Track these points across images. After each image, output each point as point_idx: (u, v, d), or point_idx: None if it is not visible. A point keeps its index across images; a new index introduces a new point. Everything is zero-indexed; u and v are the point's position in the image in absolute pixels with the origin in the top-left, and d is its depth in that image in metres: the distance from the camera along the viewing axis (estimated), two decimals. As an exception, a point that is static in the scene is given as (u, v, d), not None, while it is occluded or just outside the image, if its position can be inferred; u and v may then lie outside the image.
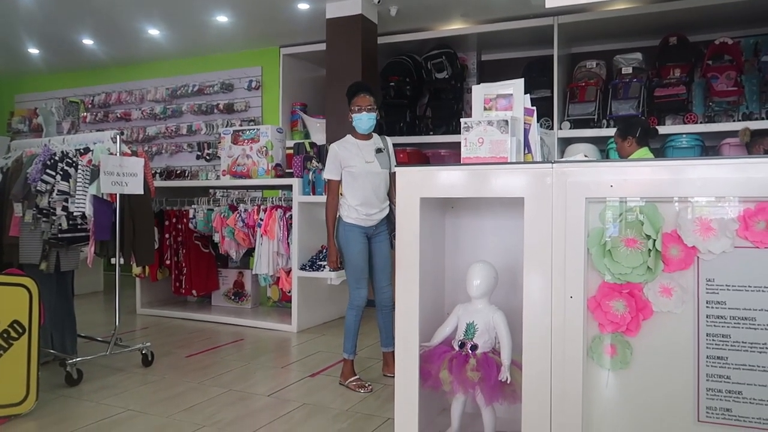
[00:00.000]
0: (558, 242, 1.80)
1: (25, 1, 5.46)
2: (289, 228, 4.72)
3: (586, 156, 4.33)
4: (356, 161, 3.27)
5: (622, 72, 5.39)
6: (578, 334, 1.78)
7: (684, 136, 4.97)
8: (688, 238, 1.67)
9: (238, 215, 4.92)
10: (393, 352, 3.47)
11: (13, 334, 2.77)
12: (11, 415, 2.76)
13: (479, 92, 2.38)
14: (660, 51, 5.37)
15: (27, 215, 3.41)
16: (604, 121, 5.37)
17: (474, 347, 2.11)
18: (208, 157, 7.27)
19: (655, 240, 1.69)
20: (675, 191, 1.70)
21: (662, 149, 5.06)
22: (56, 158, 3.43)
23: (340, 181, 3.33)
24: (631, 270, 1.73)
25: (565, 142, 5.54)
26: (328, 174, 3.35)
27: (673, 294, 1.69)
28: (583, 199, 1.77)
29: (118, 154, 3.47)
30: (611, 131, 4.60)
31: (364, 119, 3.30)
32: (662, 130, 5.01)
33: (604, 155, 5.22)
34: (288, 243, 4.73)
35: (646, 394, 1.74)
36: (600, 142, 5.33)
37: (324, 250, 4.74)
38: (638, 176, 1.74)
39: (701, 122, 5.04)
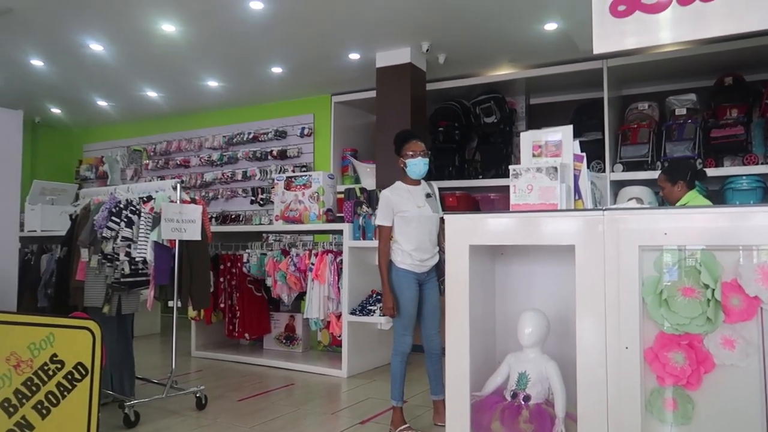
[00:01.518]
0: (611, 291, 1.77)
1: (97, 58, 5.88)
2: (339, 272, 4.77)
3: (638, 200, 4.24)
4: (409, 206, 3.30)
5: (676, 113, 5.30)
6: (636, 387, 1.72)
7: (744, 177, 4.80)
8: (750, 287, 1.61)
9: (290, 259, 5.02)
10: (443, 400, 3.41)
11: (77, 375, 2.88)
12: (72, 455, 2.84)
13: (527, 139, 2.39)
14: (715, 91, 5.26)
15: (93, 260, 3.59)
16: (659, 163, 5.25)
17: (527, 398, 2.06)
18: (261, 202, 7.49)
19: (714, 289, 1.64)
20: (734, 239, 1.65)
21: (721, 191, 4.90)
22: (121, 206, 3.62)
23: (391, 228, 3.34)
24: (689, 320, 1.67)
25: (618, 185, 5.44)
26: (380, 220, 3.34)
27: (736, 346, 1.62)
28: (636, 246, 1.74)
29: (178, 201, 3.63)
30: (666, 173, 4.50)
31: (420, 164, 3.34)
32: (720, 172, 4.86)
33: (659, 197, 5.09)
34: (338, 287, 4.77)
35: (711, 453, 1.65)
36: (654, 185, 5.19)
37: (374, 295, 4.76)
38: (694, 223, 1.70)
39: (762, 163, 4.86)
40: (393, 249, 3.34)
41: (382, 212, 3.34)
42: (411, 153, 3.33)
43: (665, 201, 3.89)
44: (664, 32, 2.21)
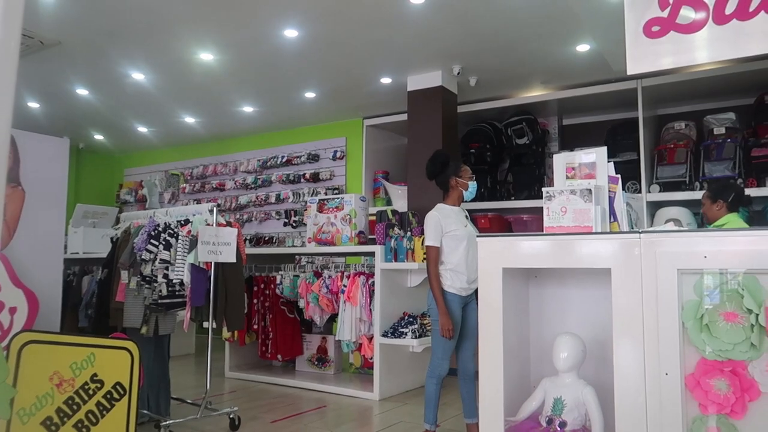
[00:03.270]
0: (649, 315, 1.73)
1: (138, 87, 6.09)
2: (371, 294, 4.78)
3: (676, 221, 4.15)
4: (457, 225, 3.32)
5: (714, 132, 5.20)
6: (677, 415, 1.67)
7: (788, 197, 4.66)
8: (795, 312, 1.55)
9: (322, 281, 5.05)
10: (477, 423, 3.36)
11: (115, 395, 2.94)
12: (109, 475, 2.88)
13: (561, 161, 2.38)
14: (756, 110, 5.14)
15: (132, 282, 3.68)
16: (697, 184, 5.14)
17: (563, 424, 2.02)
18: (294, 224, 7.58)
19: (757, 314, 1.59)
20: (777, 262, 1.60)
21: (764, 212, 4.76)
22: (159, 229, 3.71)
23: (440, 249, 3.32)
24: (732, 346, 1.62)
25: (654, 206, 5.34)
26: (430, 240, 3.30)
27: (783, 374, 1.57)
28: (674, 270, 1.70)
29: (214, 224, 3.71)
30: (705, 194, 4.41)
31: (473, 187, 3.46)
32: (763, 192, 4.73)
33: (699, 219, 4.97)
34: (370, 309, 4.77)
35: (759, 485, 1.58)
36: (693, 205, 5.09)
37: (406, 317, 4.75)
38: (735, 246, 1.66)
39: (806, 183, 4.72)
40: (441, 273, 3.30)
41: (432, 233, 3.31)
42: (469, 176, 3.43)
43: (704, 219, 3.79)
44: (701, 52, 2.19)
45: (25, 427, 2.65)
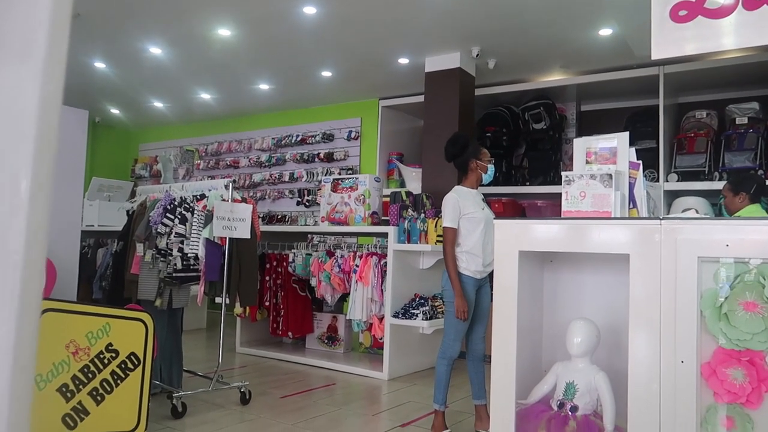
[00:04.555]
0: (667, 302, 1.72)
1: (156, 61, 6.09)
2: (383, 275, 4.79)
3: (696, 211, 4.11)
4: (475, 208, 3.31)
5: (737, 122, 5.11)
6: (691, 403, 1.66)
7: (809, 190, 4.58)
8: (817, 304, 1.53)
9: (334, 261, 5.06)
10: (485, 405, 3.39)
11: (130, 365, 2.98)
12: (123, 442, 2.94)
13: (581, 145, 2.35)
14: (779, 100, 5.05)
15: (147, 255, 3.71)
16: (716, 174, 5.07)
17: (574, 408, 2.02)
18: (307, 204, 7.59)
19: (778, 305, 1.57)
20: (801, 253, 1.58)
21: (784, 204, 4.68)
22: (175, 203, 3.73)
23: (457, 231, 3.30)
24: (751, 336, 1.61)
25: (672, 195, 5.28)
26: (447, 222, 3.28)
27: (802, 365, 1.55)
28: (695, 258, 1.68)
29: (229, 200, 3.72)
30: (724, 184, 4.35)
31: (491, 170, 3.44)
32: (783, 183, 4.65)
33: (717, 209, 4.91)
34: (382, 290, 4.79)
35: (771, 475, 1.58)
36: (711, 196, 5.03)
37: (417, 299, 4.76)
38: (758, 235, 1.63)
39: (829, 175, 4.64)
40: (457, 255, 3.29)
41: (450, 214, 3.28)
42: (488, 159, 3.41)
43: (724, 211, 3.75)
44: (728, 38, 2.14)
45: (42, 394, 2.70)
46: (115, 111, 8.51)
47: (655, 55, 2.35)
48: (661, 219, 1.78)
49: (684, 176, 5.20)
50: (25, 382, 0.52)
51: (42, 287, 0.54)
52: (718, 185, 4.88)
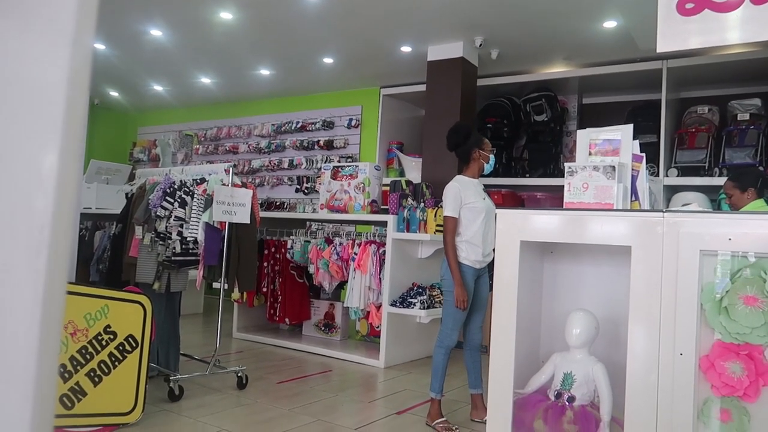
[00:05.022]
0: (667, 295, 1.72)
1: (156, 44, 6.04)
2: (381, 263, 4.79)
3: (696, 206, 4.10)
4: (476, 197, 3.30)
5: (738, 118, 5.11)
6: (688, 395, 1.67)
7: (808, 188, 4.59)
8: (818, 299, 1.54)
9: (333, 248, 5.06)
10: (481, 394, 3.40)
11: (128, 347, 2.99)
12: (119, 424, 2.95)
13: (584, 137, 2.35)
14: (781, 97, 5.04)
15: (146, 238, 3.70)
16: (716, 170, 5.08)
17: (571, 399, 2.03)
18: (306, 191, 7.58)
19: (779, 299, 1.58)
20: (803, 248, 1.58)
21: (783, 201, 4.69)
22: (175, 187, 3.72)
23: (458, 220, 3.29)
24: (750, 330, 1.62)
25: (672, 190, 5.29)
26: (448, 211, 3.27)
27: (800, 360, 1.56)
28: (697, 251, 1.69)
29: (230, 185, 3.71)
30: (723, 180, 4.35)
31: (492, 161, 3.44)
32: (783, 180, 4.66)
33: (716, 205, 4.92)
34: (380, 278, 4.79)
35: (766, 468, 1.59)
36: (710, 191, 5.04)
37: (415, 288, 4.77)
38: (761, 230, 1.63)
39: (829, 174, 4.64)
40: (457, 244, 3.29)
41: (451, 204, 3.27)
42: (490, 149, 3.40)
43: (724, 206, 3.74)
44: (733, 32, 2.14)
45: (40, 374, 2.71)
46: (114, 93, 8.46)
47: (661, 48, 2.34)
48: (663, 212, 1.78)
49: (684, 171, 5.21)
50: (51, 365, 0.51)
51: (67, 267, 0.53)
52: (718, 181, 4.89)
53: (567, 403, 2.03)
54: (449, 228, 3.27)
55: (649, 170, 5.24)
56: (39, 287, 0.46)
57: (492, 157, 3.40)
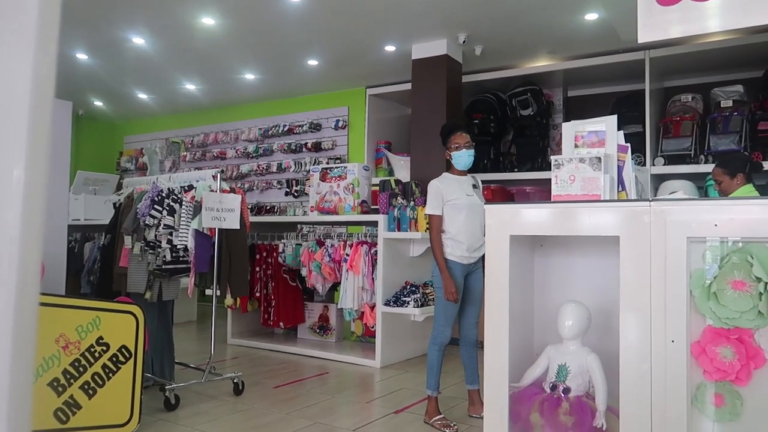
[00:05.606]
0: (657, 283, 1.74)
1: (139, 52, 6.01)
2: (374, 264, 4.79)
3: (683, 193, 4.13)
4: (458, 194, 3.30)
5: (721, 105, 5.15)
6: (681, 381, 1.69)
7: (793, 172, 4.64)
8: (804, 281, 1.56)
9: (325, 250, 5.06)
10: (478, 390, 3.41)
11: (121, 358, 2.97)
12: (116, 435, 2.93)
13: (570, 129, 2.36)
14: (764, 83, 5.09)
15: (135, 247, 3.68)
16: (702, 157, 5.12)
17: (566, 390, 2.05)
18: (296, 194, 7.56)
19: (766, 283, 1.59)
20: (788, 231, 1.60)
21: (768, 186, 4.74)
22: (163, 195, 3.70)
23: (442, 218, 3.31)
24: (740, 314, 1.63)
25: (659, 179, 5.32)
26: (431, 209, 3.31)
27: (789, 342, 1.58)
28: (684, 238, 1.70)
29: (218, 191, 3.70)
30: (709, 167, 4.38)
31: (464, 156, 3.36)
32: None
33: (702, 192, 4.96)
34: (373, 278, 4.79)
35: (761, 450, 1.61)
36: (697, 179, 5.08)
37: (408, 286, 4.77)
38: (746, 215, 1.65)
39: (813, 157, 4.69)
40: (443, 240, 3.31)
41: (433, 201, 3.31)
42: (456, 145, 3.36)
43: (711, 193, 3.75)
44: (713, 20, 2.15)
45: (33, 388, 2.68)
46: (98, 103, 8.40)
47: (642, 39, 2.35)
48: (650, 201, 1.79)
49: (670, 160, 5.24)
50: (24, 376, 0.51)
51: (39, 279, 0.53)
52: (704, 168, 4.93)
53: (562, 395, 2.05)
54: (433, 225, 3.31)
55: (636, 160, 5.28)
56: (10, 300, 0.46)
57: (460, 152, 3.34)
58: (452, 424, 3.21)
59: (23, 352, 0.49)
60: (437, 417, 3.26)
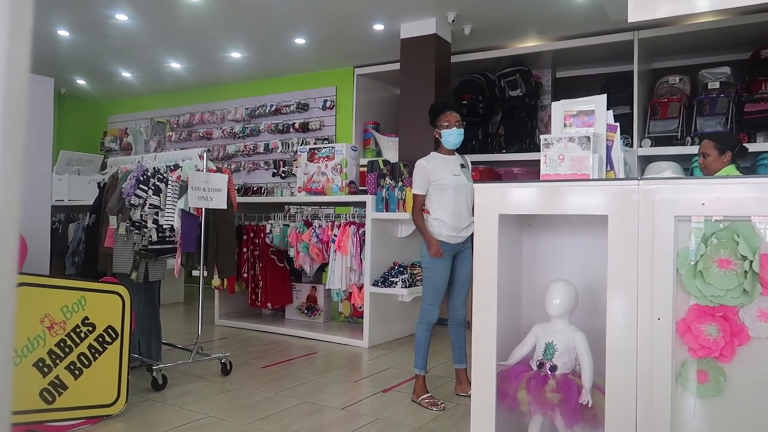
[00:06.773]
0: (644, 262, 1.74)
1: (122, 29, 5.89)
2: (362, 244, 4.79)
3: (671, 173, 4.16)
4: (445, 174, 3.30)
5: (708, 87, 5.17)
6: (666, 359, 1.70)
7: (777, 153, 4.68)
8: (789, 259, 1.57)
9: (312, 231, 5.04)
10: (465, 369, 3.44)
11: (108, 339, 2.95)
12: (103, 416, 2.93)
13: (559, 108, 2.35)
14: (751, 64, 5.11)
15: (121, 227, 3.64)
16: (688, 139, 5.15)
17: (553, 368, 2.06)
18: (283, 175, 7.51)
19: (752, 261, 1.61)
20: (774, 210, 1.61)
21: (753, 168, 4.79)
22: (148, 174, 3.65)
23: (425, 197, 3.33)
24: (725, 292, 1.65)
25: (646, 160, 5.35)
26: (416, 189, 3.32)
27: (773, 319, 1.60)
28: (672, 217, 1.71)
29: (204, 170, 3.65)
30: (696, 149, 4.40)
31: (454, 134, 3.35)
32: (753, 147, 4.74)
33: (688, 174, 4.99)
34: (361, 259, 4.79)
35: (743, 425, 1.64)
36: (683, 160, 5.11)
37: (396, 267, 4.78)
38: (732, 194, 1.66)
39: (797, 139, 4.74)
40: (429, 221, 3.32)
41: (418, 181, 3.32)
42: (446, 123, 3.34)
43: (704, 172, 3.70)
44: (702, 0, 2.14)
45: (18, 369, 2.66)
46: (81, 82, 8.25)
47: (632, 18, 2.34)
48: (638, 180, 1.79)
49: (657, 141, 5.27)
50: (4, 358, 0.49)
51: (16, 259, 0.51)
52: (691, 150, 4.96)
53: (549, 372, 2.06)
54: (416, 204, 3.34)
55: (624, 141, 5.29)
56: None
57: (454, 129, 3.33)
58: (440, 402, 3.24)
59: (2, 337, 0.47)
60: (425, 395, 3.29)
